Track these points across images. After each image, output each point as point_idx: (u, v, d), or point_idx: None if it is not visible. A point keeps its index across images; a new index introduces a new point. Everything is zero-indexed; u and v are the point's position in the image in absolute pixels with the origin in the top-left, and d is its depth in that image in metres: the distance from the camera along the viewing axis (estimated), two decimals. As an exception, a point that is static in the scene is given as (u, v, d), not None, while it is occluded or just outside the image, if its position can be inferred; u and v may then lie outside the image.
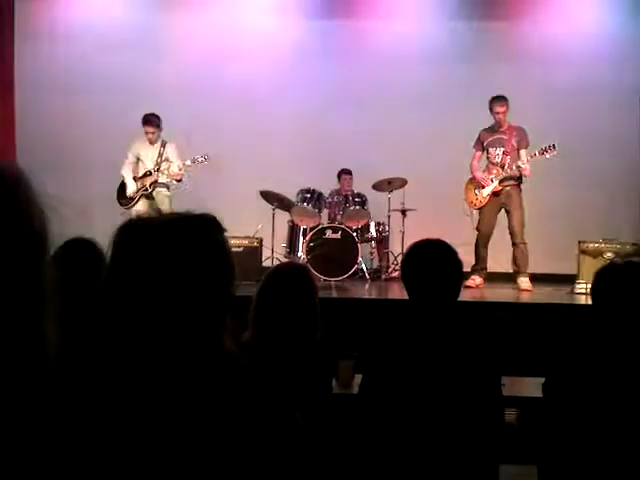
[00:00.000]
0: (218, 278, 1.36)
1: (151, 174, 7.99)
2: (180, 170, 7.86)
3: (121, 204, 8.04)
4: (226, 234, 1.43)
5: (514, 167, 7.49)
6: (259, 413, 1.33)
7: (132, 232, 1.35)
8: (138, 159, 8.05)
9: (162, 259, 1.30)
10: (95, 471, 1.20)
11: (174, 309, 1.30)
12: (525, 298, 7.18)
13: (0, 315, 0.78)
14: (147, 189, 8.01)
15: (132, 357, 1.29)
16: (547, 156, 7.44)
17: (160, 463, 1.23)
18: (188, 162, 7.90)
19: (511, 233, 7.59)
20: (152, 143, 8.01)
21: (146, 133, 7.97)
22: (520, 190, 7.62)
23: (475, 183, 7.70)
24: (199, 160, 7.88)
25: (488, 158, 7.71)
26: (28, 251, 0.81)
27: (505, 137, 7.58)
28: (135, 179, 8.04)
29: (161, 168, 7.97)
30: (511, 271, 7.76)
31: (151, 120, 7.94)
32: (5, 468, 0.78)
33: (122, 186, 8.11)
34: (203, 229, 1.37)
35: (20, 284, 0.80)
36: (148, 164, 8.01)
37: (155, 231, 1.33)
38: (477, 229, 7.69)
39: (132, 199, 8.02)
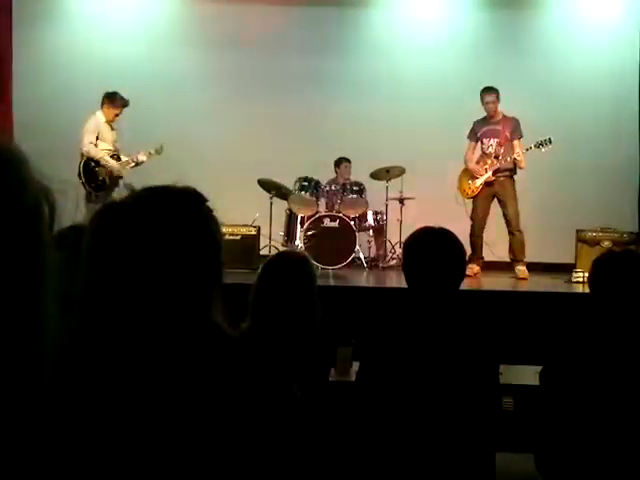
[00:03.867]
0: (201, 252, 1.34)
1: (119, 159, 7.85)
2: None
3: (100, 188, 7.73)
4: (221, 221, 1.41)
5: (509, 159, 7.52)
6: (255, 385, 1.32)
7: (109, 214, 1.33)
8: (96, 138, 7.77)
9: (142, 237, 1.28)
10: (96, 451, 1.20)
11: (160, 286, 1.28)
12: (522, 287, 7.19)
13: None
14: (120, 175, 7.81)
15: (123, 340, 1.28)
16: (542, 150, 7.49)
17: (157, 441, 1.23)
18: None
19: (507, 222, 7.63)
20: (112, 124, 7.84)
21: (116, 115, 7.78)
22: (514, 181, 7.65)
23: (469, 173, 7.74)
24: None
25: (482, 149, 7.74)
26: (20, 229, 0.79)
27: (499, 128, 7.62)
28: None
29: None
30: (508, 260, 7.79)
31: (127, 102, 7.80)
32: (2, 465, 0.78)
33: (91, 169, 7.75)
34: (180, 202, 1.35)
35: (11, 264, 0.78)
36: (107, 146, 7.80)
37: (132, 210, 1.32)
38: (471, 218, 7.72)
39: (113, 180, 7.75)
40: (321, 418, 2.69)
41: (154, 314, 1.28)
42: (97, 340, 1.29)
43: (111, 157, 7.81)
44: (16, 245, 0.77)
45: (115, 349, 1.28)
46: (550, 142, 7.46)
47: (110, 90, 7.80)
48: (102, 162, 7.74)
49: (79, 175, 7.70)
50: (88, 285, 1.30)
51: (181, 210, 1.34)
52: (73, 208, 7.27)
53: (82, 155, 7.71)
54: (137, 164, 7.87)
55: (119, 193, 1.43)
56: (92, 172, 7.75)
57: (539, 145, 7.50)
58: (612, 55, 9.13)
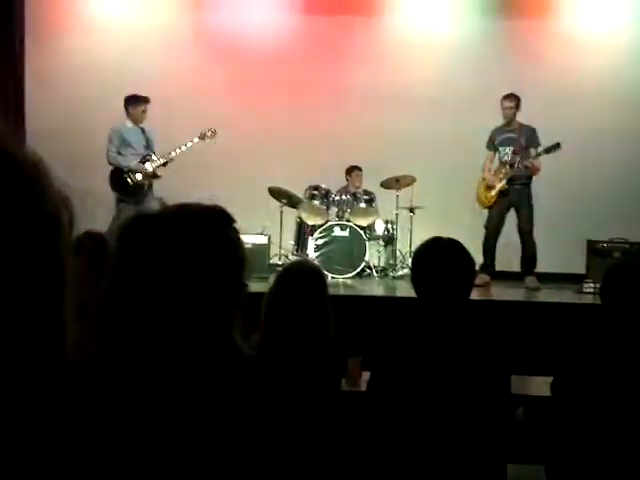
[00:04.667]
0: (227, 270, 1.35)
1: (151, 158, 7.77)
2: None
3: (128, 194, 7.69)
4: (236, 226, 1.41)
5: (522, 167, 7.49)
6: (264, 404, 1.33)
7: (139, 226, 1.34)
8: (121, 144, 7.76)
9: (168, 251, 1.29)
10: (110, 458, 1.20)
11: (182, 302, 1.29)
12: (533, 297, 7.17)
13: (12, 306, 0.78)
14: (155, 175, 7.77)
15: (142, 351, 1.29)
16: (551, 154, 7.45)
17: (169, 452, 1.23)
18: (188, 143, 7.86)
19: (520, 232, 7.60)
20: (140, 123, 7.81)
21: (143, 112, 7.75)
22: (529, 188, 7.62)
23: (485, 183, 7.72)
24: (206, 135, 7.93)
25: (499, 157, 7.72)
26: (40, 236, 0.80)
27: (514, 136, 7.59)
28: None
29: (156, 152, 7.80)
30: (519, 270, 7.76)
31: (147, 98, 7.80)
32: (17, 466, 0.78)
33: (118, 176, 7.73)
34: (211, 221, 1.36)
35: (32, 271, 0.79)
36: (135, 151, 7.76)
37: (161, 224, 1.33)
38: (485, 227, 7.70)
39: (141, 187, 7.72)
40: (333, 428, 2.68)
41: (176, 327, 1.29)
42: (116, 348, 1.30)
43: (143, 160, 7.77)
44: (37, 252, 0.78)
45: (133, 358, 1.28)
46: (559, 147, 7.39)
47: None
48: (120, 167, 7.71)
49: (110, 183, 7.74)
50: (111, 293, 1.31)
51: (211, 229, 1.35)
52: (90, 216, 7.29)
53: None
54: (165, 164, 7.83)
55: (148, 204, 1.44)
56: (120, 178, 7.72)
57: (548, 150, 7.45)
58: (629, 64, 9.11)
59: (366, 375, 3.18)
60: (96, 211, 7.34)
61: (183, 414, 1.26)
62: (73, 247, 0.84)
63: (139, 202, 7.63)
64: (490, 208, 7.72)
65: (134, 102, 7.77)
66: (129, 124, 7.80)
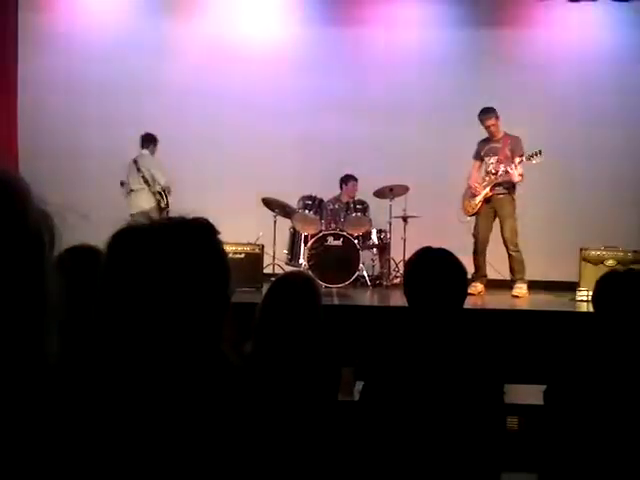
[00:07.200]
0: (213, 282, 1.36)
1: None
2: None
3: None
4: (225, 239, 1.43)
5: (502, 173, 7.50)
6: (254, 417, 1.33)
7: (126, 238, 1.35)
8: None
9: (156, 264, 1.30)
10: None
11: (169, 314, 1.30)
12: (526, 305, 7.18)
13: None
14: None
15: (129, 363, 1.29)
16: (533, 162, 7.45)
17: (155, 468, 1.23)
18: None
19: (504, 242, 7.60)
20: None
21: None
22: (513, 199, 7.63)
23: (470, 191, 7.75)
24: None
25: (484, 167, 7.75)
26: (22, 254, 0.80)
27: (499, 146, 7.62)
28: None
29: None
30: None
31: None
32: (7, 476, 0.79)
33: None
34: (196, 233, 1.37)
35: (13, 290, 0.79)
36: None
37: (148, 237, 1.34)
38: (473, 236, 7.71)
39: None
40: (328, 438, 2.68)
41: (163, 339, 1.30)
42: (103, 358, 1.30)
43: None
44: (20, 269, 0.79)
45: (118, 369, 1.29)
46: (540, 153, 7.39)
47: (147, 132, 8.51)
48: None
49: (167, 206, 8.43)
50: (99, 303, 1.32)
51: (195, 241, 1.36)
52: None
53: (163, 190, 8.44)
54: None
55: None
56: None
57: (530, 157, 7.46)
58: (614, 69, 9.16)
59: (359, 385, 3.18)
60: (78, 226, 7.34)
61: (168, 426, 1.25)
62: (60, 262, 0.84)
63: None
64: (476, 216, 7.74)
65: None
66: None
